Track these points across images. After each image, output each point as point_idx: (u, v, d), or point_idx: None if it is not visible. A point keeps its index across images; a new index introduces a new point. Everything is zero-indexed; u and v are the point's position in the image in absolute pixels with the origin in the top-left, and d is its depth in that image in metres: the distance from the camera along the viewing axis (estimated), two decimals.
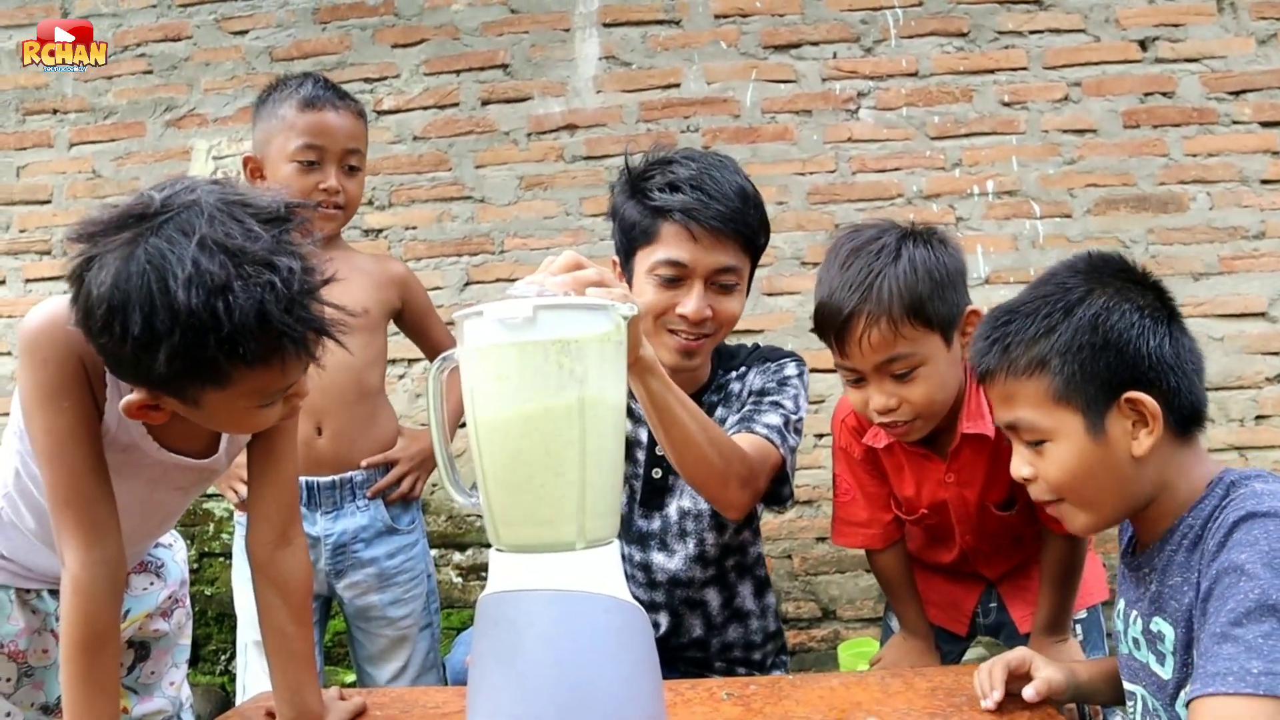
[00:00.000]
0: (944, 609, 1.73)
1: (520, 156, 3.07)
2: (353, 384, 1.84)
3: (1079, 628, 1.67)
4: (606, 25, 3.06)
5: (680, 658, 1.69)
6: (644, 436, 1.65)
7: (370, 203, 3.06)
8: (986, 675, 1.20)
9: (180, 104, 3.17)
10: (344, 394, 1.83)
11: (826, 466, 1.73)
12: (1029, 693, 1.16)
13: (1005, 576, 1.69)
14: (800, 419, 1.61)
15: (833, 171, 2.98)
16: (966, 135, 2.95)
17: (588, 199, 3.02)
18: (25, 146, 3.22)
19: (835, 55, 2.99)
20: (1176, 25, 2.89)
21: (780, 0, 3.00)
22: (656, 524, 1.66)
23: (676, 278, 1.53)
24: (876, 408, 1.43)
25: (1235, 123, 2.86)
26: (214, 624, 3.02)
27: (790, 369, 1.65)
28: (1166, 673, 1.06)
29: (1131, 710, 1.15)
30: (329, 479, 1.84)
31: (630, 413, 1.55)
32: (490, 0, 3.09)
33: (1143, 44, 2.90)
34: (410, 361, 3.02)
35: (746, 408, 1.61)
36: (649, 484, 1.66)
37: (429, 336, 2.04)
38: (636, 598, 1.01)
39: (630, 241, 1.58)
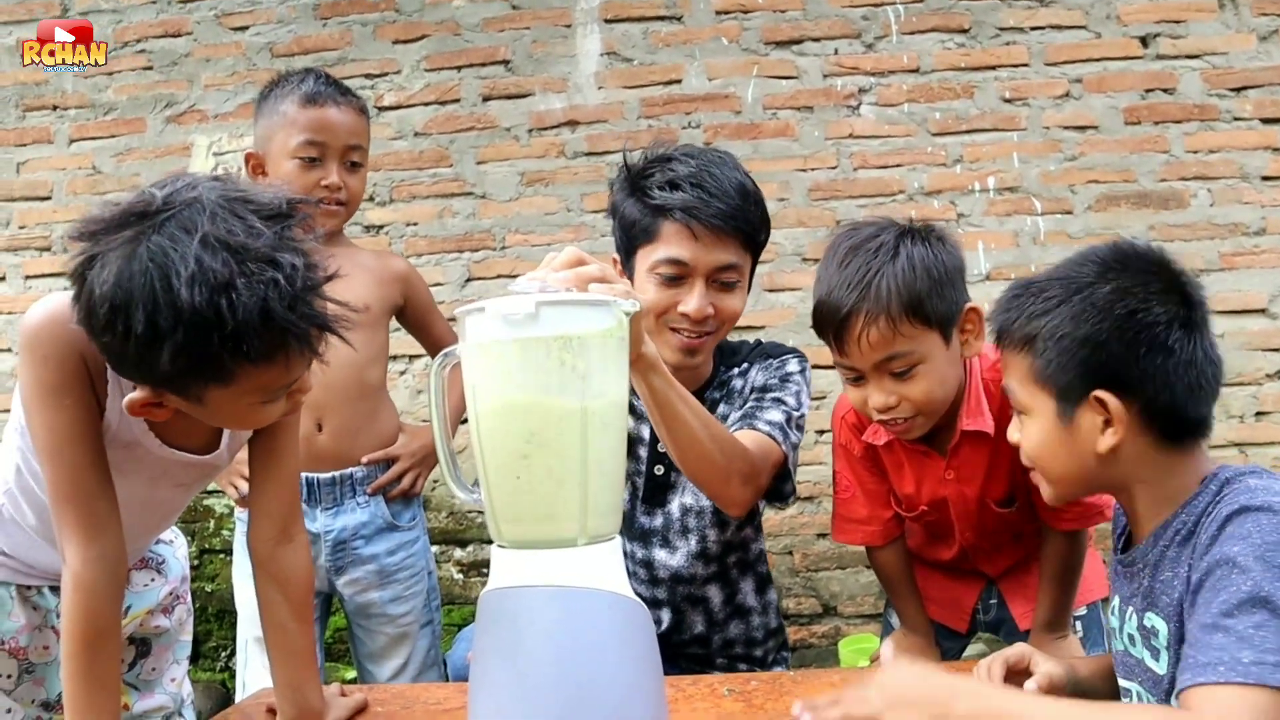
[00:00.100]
0: (944, 606, 1.73)
1: (521, 152, 3.07)
2: (354, 380, 1.84)
3: (1079, 624, 1.67)
4: (608, 21, 3.05)
5: (682, 654, 1.69)
6: (646, 433, 1.65)
7: (371, 199, 3.06)
8: (986, 671, 1.20)
9: (180, 100, 3.17)
10: (345, 390, 1.83)
11: (828, 463, 1.73)
12: (1029, 687, 1.16)
13: (1005, 573, 1.69)
14: (802, 415, 1.61)
15: (834, 168, 2.98)
16: (968, 131, 2.95)
17: (589, 195, 3.02)
18: (25, 143, 3.21)
19: (837, 51, 2.99)
20: (1178, 22, 2.89)
21: None
22: (658, 521, 1.66)
23: (678, 276, 1.53)
24: (876, 406, 1.43)
25: (1236, 119, 2.86)
26: (214, 620, 3.02)
27: (792, 365, 1.65)
28: (1161, 668, 1.06)
29: None
30: (329, 475, 1.84)
31: (632, 409, 1.55)
32: None
33: (1144, 40, 2.90)
34: (411, 358, 3.02)
35: (749, 404, 1.61)
36: (651, 481, 1.66)
37: (431, 333, 2.04)
38: (638, 594, 1.02)
39: (630, 240, 1.57)
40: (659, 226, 1.53)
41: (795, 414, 1.59)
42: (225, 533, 3.02)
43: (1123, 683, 1.16)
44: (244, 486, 1.77)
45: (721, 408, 1.66)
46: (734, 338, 1.74)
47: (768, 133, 3.00)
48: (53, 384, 1.06)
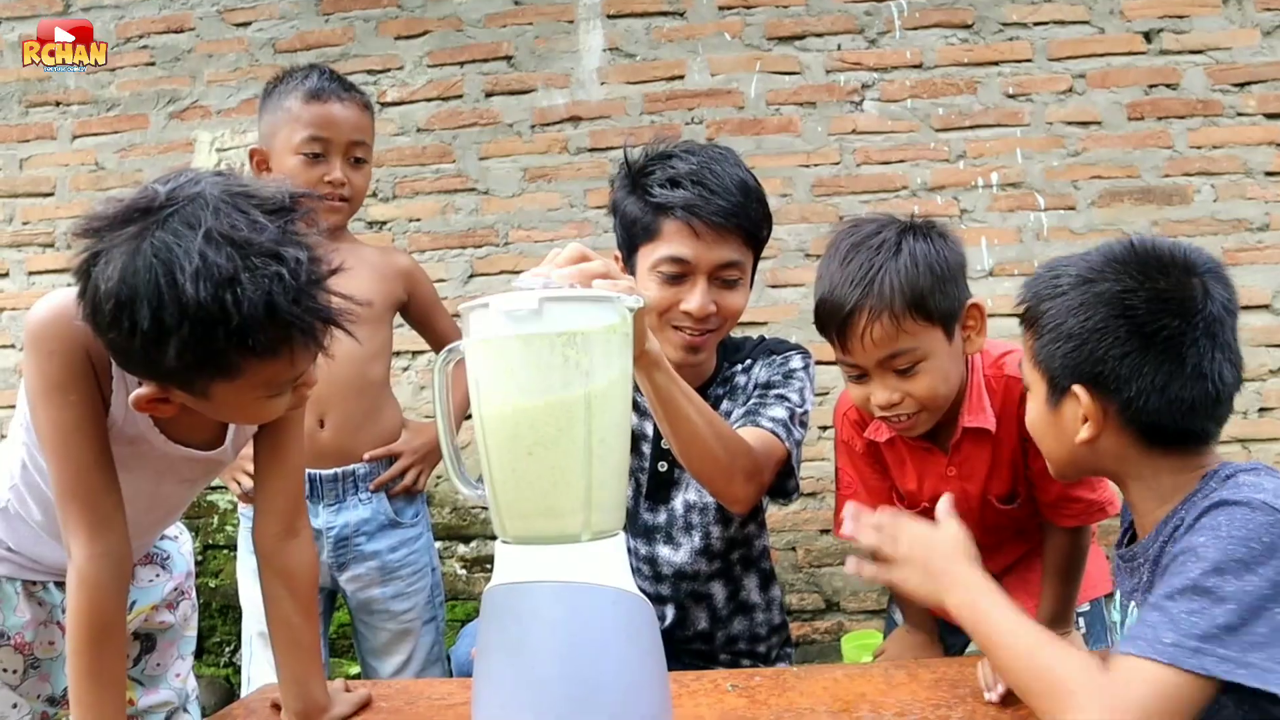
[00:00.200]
0: None
1: (524, 148, 3.07)
2: (357, 376, 1.83)
3: (1081, 621, 1.67)
4: (610, 17, 3.05)
5: (685, 650, 1.69)
6: (649, 430, 1.65)
7: (374, 195, 3.06)
8: (990, 667, 1.20)
9: (183, 96, 3.17)
10: (348, 386, 1.82)
11: (830, 459, 1.73)
12: None
13: (1008, 569, 1.69)
14: (806, 412, 1.61)
15: (837, 164, 2.98)
16: (971, 127, 2.94)
17: (592, 191, 3.02)
18: (28, 139, 3.22)
19: (840, 47, 2.99)
20: (1181, 17, 2.88)
21: None
22: (662, 517, 1.66)
23: (679, 274, 1.53)
24: (879, 403, 1.42)
25: (1240, 115, 2.86)
26: (219, 616, 3.03)
27: (796, 361, 1.65)
28: None
29: None
30: (331, 471, 1.84)
31: (636, 406, 1.55)
32: None
33: (1147, 36, 2.90)
34: (414, 354, 3.02)
35: (752, 401, 1.61)
36: (655, 477, 1.66)
37: (434, 329, 2.03)
38: (642, 590, 1.02)
39: (632, 238, 1.57)
40: (660, 224, 1.52)
41: (799, 410, 1.59)
42: (229, 528, 3.02)
43: None
44: (247, 482, 1.77)
45: (725, 404, 1.66)
46: (737, 334, 1.73)
47: (770, 128, 3.00)
48: (58, 380, 1.06)
